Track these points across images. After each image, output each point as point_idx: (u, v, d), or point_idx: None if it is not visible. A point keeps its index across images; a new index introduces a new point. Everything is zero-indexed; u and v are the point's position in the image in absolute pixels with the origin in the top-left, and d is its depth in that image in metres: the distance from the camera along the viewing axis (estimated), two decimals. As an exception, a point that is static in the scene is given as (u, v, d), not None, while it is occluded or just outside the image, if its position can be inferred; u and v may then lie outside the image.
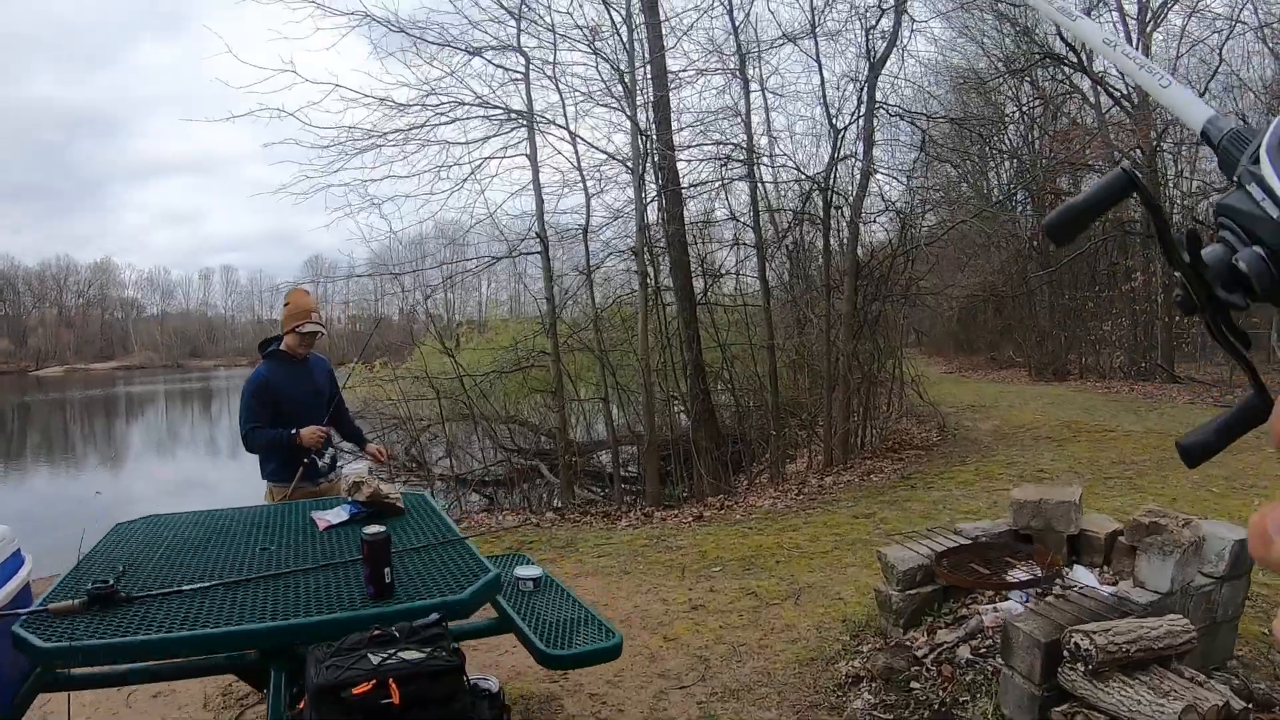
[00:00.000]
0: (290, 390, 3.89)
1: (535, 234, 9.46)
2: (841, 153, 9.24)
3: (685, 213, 10.35)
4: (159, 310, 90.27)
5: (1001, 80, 17.48)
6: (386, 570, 2.10)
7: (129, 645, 1.99)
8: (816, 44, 9.38)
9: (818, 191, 9.63)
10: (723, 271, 11.51)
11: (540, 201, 9.39)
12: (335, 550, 2.65)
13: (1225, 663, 3.54)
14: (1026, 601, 3.52)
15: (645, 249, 9.50)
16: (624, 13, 8.96)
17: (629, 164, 9.47)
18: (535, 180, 9.33)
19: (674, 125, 10.21)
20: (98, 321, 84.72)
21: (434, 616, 1.88)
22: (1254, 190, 0.47)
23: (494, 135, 9.46)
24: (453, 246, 11.77)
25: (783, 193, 11.26)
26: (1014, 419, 11.37)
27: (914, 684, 3.29)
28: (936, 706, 3.13)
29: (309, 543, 2.79)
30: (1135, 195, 0.53)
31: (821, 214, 9.56)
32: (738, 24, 9.85)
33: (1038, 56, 16.53)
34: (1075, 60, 15.97)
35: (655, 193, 9.77)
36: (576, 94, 9.52)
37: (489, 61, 9.27)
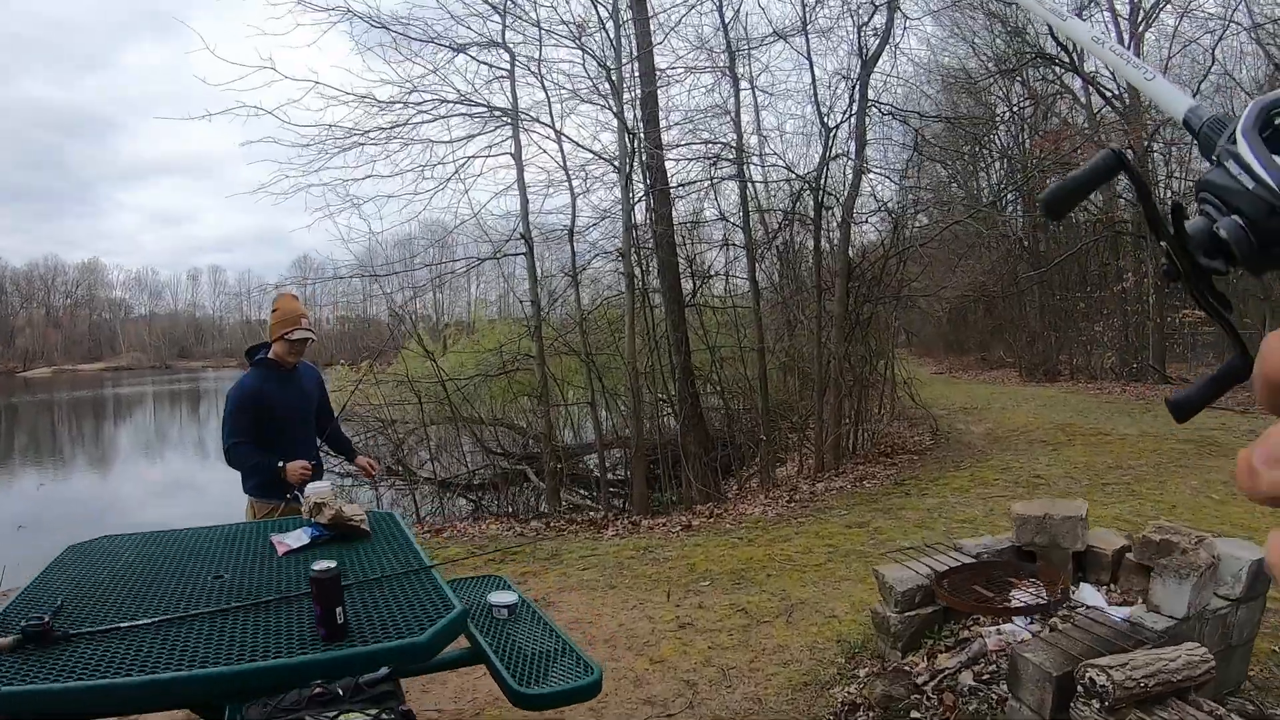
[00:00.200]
0: (280, 400, 3.70)
1: (520, 235, 9.24)
2: (833, 152, 9.07)
3: (674, 213, 10.15)
4: (147, 311, 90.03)
5: (993, 80, 17.37)
6: (339, 610, 1.90)
7: (46, 694, 1.78)
8: (808, 41, 9.22)
9: (809, 191, 9.45)
10: (712, 273, 11.33)
11: (525, 201, 9.18)
12: (293, 579, 2.44)
13: (1239, 686, 3.37)
14: (1031, 624, 3.34)
15: (633, 250, 9.30)
16: (610, 8, 8.75)
17: (616, 163, 9.26)
18: (520, 180, 9.12)
19: (662, 123, 10.02)
20: (85, 322, 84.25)
21: (384, 671, 1.67)
22: (1231, 166, 0.49)
23: (478, 134, 9.26)
24: (438, 247, 11.57)
25: (773, 193, 11.09)
26: (1007, 421, 11.23)
27: (914, 713, 3.10)
28: (939, 739, 2.95)
29: (266, 570, 2.58)
30: (1124, 174, 0.57)
31: (812, 214, 9.38)
32: (727, 21, 9.68)
33: (1029, 56, 16.43)
34: (1067, 60, 15.88)
35: (643, 192, 9.57)
36: (562, 91, 9.32)
37: (473, 58, 9.06)
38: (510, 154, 9.07)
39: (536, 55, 9.03)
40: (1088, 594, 3.52)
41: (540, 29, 8.78)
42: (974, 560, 3.60)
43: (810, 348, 9.61)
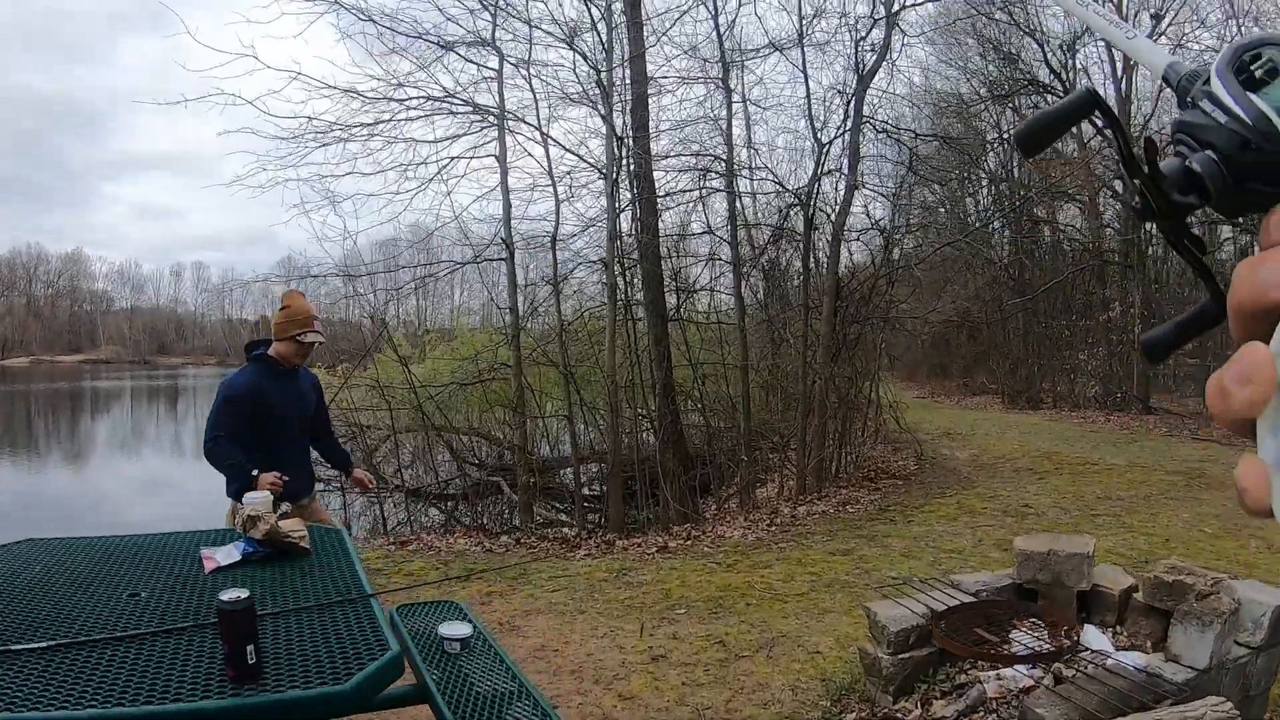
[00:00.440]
0: (279, 398, 3.47)
1: (501, 239, 8.96)
2: (825, 168, 8.87)
3: (660, 224, 9.91)
4: (129, 305, 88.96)
5: (984, 106, 17.36)
6: (250, 648, 1.60)
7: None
8: (804, 54, 9.03)
9: (799, 207, 9.24)
10: (697, 287, 11.09)
11: (508, 206, 8.90)
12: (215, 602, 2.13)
13: (1255, 741, 3.13)
14: (1034, 668, 3.08)
15: (617, 260, 9.03)
16: (604, 8, 8.53)
17: (602, 169, 9.02)
18: (503, 183, 8.85)
19: (651, 132, 9.78)
20: (66, 313, 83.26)
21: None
22: (1205, 105, 0.49)
23: (463, 134, 8.99)
24: (418, 250, 11.25)
25: (761, 207, 10.88)
26: (992, 448, 11.04)
27: (907, 767, 2.83)
28: (934, 798, 2.67)
29: (189, 590, 2.28)
30: (1098, 112, 0.56)
31: (802, 231, 9.17)
32: (722, 31, 9.49)
33: (1022, 83, 16.42)
34: (1061, 89, 15.87)
35: (629, 201, 9.31)
36: (551, 94, 9.07)
37: (461, 56, 8.81)
38: (495, 156, 8.81)
39: (526, 56, 8.81)
40: (1092, 636, 3.27)
41: (531, 26, 8.55)
42: (973, 598, 3.34)
43: (795, 367, 9.38)
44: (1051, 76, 15.84)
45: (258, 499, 2.58)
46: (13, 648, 1.88)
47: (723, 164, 9.70)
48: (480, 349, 11.12)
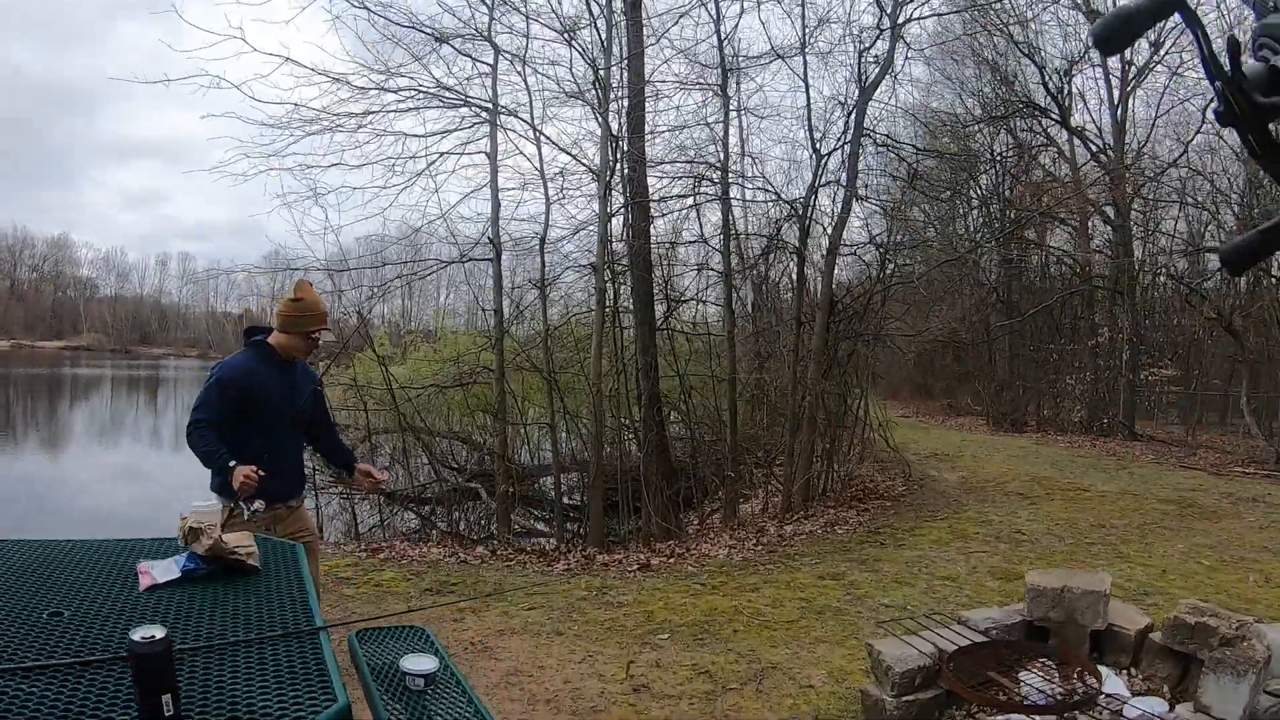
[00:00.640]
0: (277, 388, 3.23)
1: (489, 239, 8.70)
2: (823, 179, 8.68)
3: (652, 230, 9.68)
4: (113, 293, 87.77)
5: (979, 128, 17.29)
6: (166, 698, 1.33)
7: None
8: (805, 63, 8.84)
9: (794, 219, 9.04)
10: (686, 297, 10.86)
11: (496, 205, 8.64)
12: (153, 622, 1.86)
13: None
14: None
15: (607, 265, 8.79)
16: (604, 4, 8.31)
17: (596, 171, 8.78)
18: (493, 180, 8.59)
19: (647, 136, 9.56)
20: (50, 298, 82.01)
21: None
22: None
23: (454, 129, 8.73)
24: (403, 247, 10.97)
25: (755, 218, 10.69)
26: (981, 471, 10.87)
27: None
28: None
29: (118, 610, 2.00)
30: (1180, 13, 0.55)
31: (797, 243, 8.97)
32: (724, 37, 9.29)
33: (1019, 105, 16.35)
34: (1057, 112, 15.82)
35: (621, 205, 9.08)
36: (546, 92, 8.85)
37: (456, 50, 8.56)
38: (485, 153, 8.56)
39: (522, 52, 8.58)
40: (1108, 680, 3.05)
41: (529, 19, 8.32)
42: (983, 636, 3.11)
43: (783, 382, 9.17)
44: (1049, 100, 15.77)
45: (203, 508, 2.30)
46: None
47: (718, 172, 9.50)
48: (463, 351, 10.84)
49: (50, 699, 1.48)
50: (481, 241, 8.88)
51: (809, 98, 8.66)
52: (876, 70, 8.46)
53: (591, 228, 9.20)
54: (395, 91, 8.31)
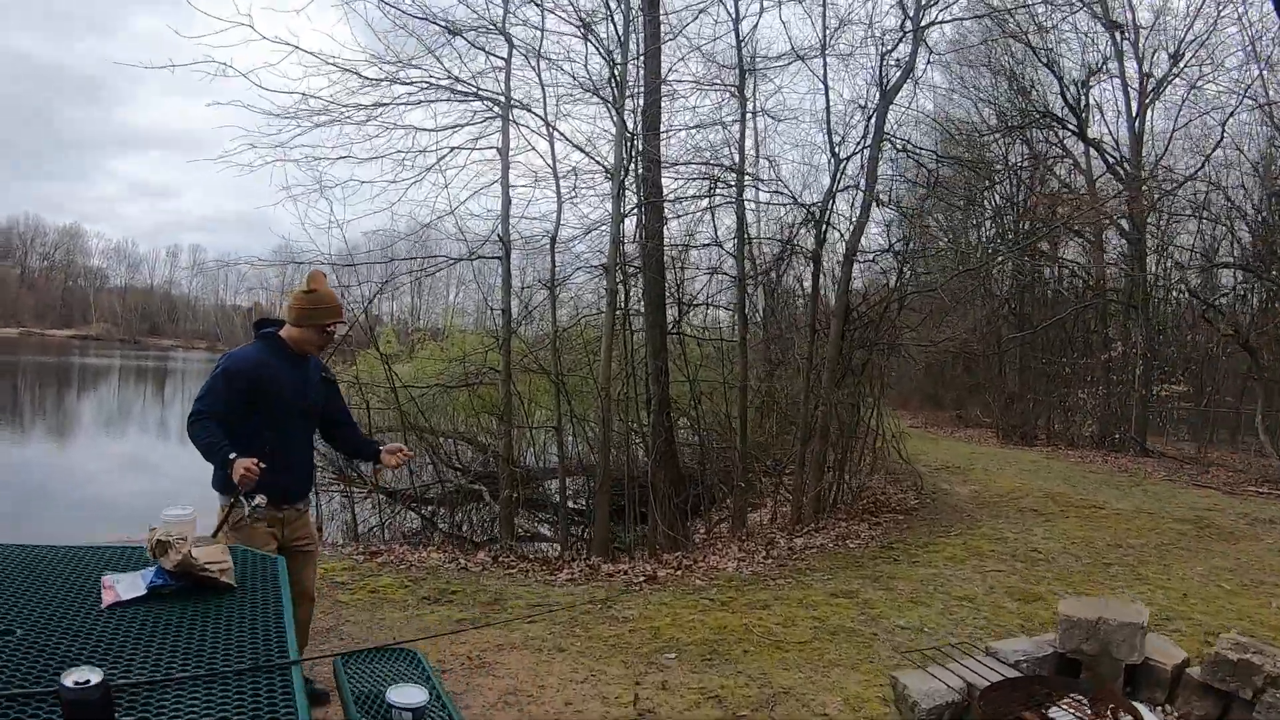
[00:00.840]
0: (289, 381, 3.09)
1: (498, 237, 8.53)
2: (841, 184, 8.48)
3: (665, 232, 9.49)
4: (123, 283, 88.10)
5: (995, 138, 17.08)
6: (108, 748, 1.15)
7: None
8: (825, 65, 8.64)
9: (811, 224, 8.85)
10: (698, 301, 10.67)
11: (507, 201, 8.47)
12: (113, 647, 1.68)
13: None
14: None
15: (618, 267, 8.61)
16: (621, -1, 8.13)
17: (610, 170, 8.60)
18: (504, 176, 8.42)
19: (662, 136, 9.38)
20: (60, 287, 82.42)
21: None
22: None
23: (465, 124, 8.56)
24: (412, 243, 10.81)
25: (770, 221, 10.50)
26: (993, 485, 10.65)
27: None
28: None
29: (74, 630, 1.81)
30: None
31: (813, 248, 8.77)
32: (742, 37, 9.11)
33: (1036, 115, 16.13)
34: (1075, 123, 15.59)
35: (635, 205, 8.89)
36: (560, 87, 8.68)
37: (469, 42, 8.39)
38: (497, 149, 8.39)
39: (537, 46, 8.42)
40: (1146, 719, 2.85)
41: (544, 12, 8.15)
42: (1013, 670, 2.91)
43: (795, 389, 8.97)
44: (1066, 110, 15.54)
45: (174, 518, 2.12)
46: None
47: (733, 174, 9.32)
48: (469, 351, 10.67)
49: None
50: (491, 239, 8.71)
51: (829, 100, 8.49)
52: (898, 74, 8.27)
53: (604, 228, 9.03)
54: (407, 83, 8.16)
